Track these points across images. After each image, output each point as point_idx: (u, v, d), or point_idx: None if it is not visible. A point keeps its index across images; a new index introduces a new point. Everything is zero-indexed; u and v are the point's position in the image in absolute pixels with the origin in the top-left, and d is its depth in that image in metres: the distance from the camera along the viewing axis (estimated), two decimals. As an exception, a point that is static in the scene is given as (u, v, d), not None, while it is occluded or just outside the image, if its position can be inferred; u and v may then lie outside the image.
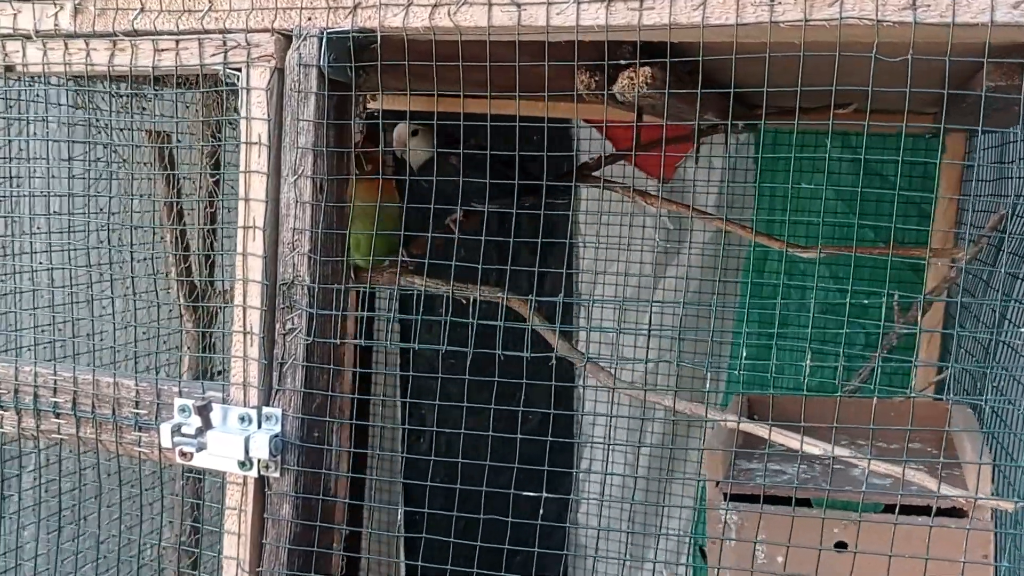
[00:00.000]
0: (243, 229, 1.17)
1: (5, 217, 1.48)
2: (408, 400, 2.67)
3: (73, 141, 1.42)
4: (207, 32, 1.17)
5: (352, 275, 1.65)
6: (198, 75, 1.19)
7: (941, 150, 2.12)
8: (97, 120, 1.51)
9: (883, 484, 1.29)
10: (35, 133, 1.42)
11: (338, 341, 1.21)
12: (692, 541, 2.51)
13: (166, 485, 1.79)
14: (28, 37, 1.25)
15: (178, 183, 1.72)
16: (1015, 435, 1.38)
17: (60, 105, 1.47)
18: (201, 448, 1.18)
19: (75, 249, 1.41)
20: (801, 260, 2.25)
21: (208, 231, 1.80)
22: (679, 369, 2.15)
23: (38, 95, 1.41)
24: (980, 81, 1.09)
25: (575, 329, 2.44)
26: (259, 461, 1.18)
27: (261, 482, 1.21)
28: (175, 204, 1.70)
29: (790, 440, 1.17)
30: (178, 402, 1.20)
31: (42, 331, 1.54)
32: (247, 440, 1.17)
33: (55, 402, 1.31)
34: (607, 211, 2.40)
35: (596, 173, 1.85)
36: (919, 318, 1.66)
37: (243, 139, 1.16)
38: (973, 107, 1.36)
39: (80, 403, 1.29)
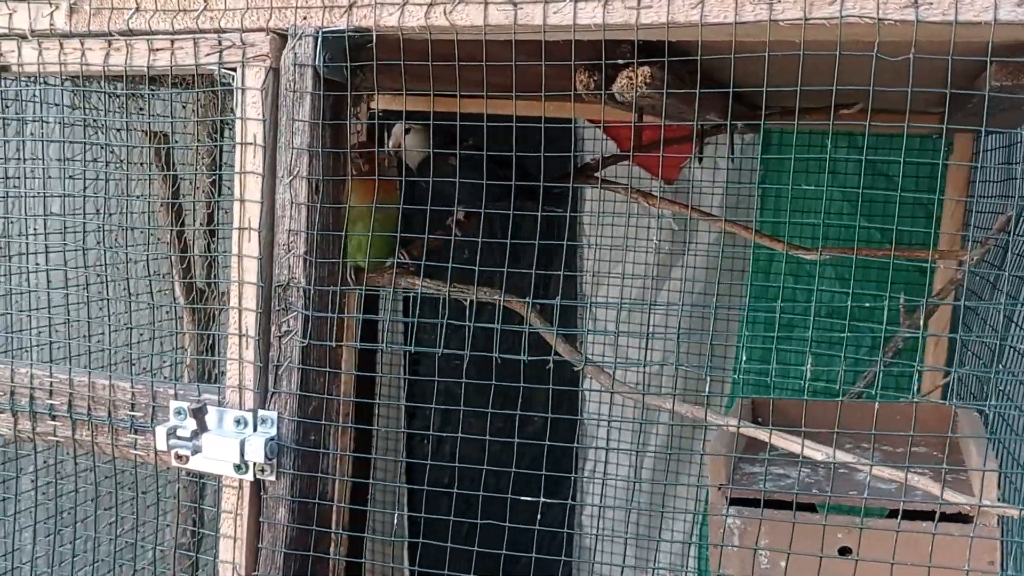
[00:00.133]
0: (238, 230, 1.16)
1: (2, 218, 1.47)
2: (408, 404, 2.70)
3: (70, 141, 1.41)
4: (202, 31, 1.16)
5: (353, 276, 1.64)
6: (194, 75, 1.18)
7: (948, 151, 2.10)
8: (94, 120, 1.50)
9: (887, 489, 1.28)
10: (32, 134, 1.41)
11: (334, 343, 1.19)
12: (697, 546, 2.50)
13: (166, 488, 1.78)
14: (23, 37, 1.24)
15: (175, 184, 1.71)
16: (1022, 440, 1.36)
17: (56, 105, 1.46)
18: (196, 451, 1.17)
19: (72, 250, 1.40)
20: (806, 262, 2.24)
21: (206, 232, 1.79)
22: (683, 372, 2.14)
23: (35, 95, 1.40)
24: (985, 81, 1.07)
25: (580, 331, 2.42)
26: (255, 464, 1.17)
27: (257, 486, 1.20)
28: (172, 205, 1.69)
29: (792, 444, 1.16)
30: (173, 405, 1.19)
31: (38, 333, 1.53)
32: (242, 443, 1.16)
33: (51, 404, 1.30)
34: (611, 212, 2.38)
35: (598, 174, 1.83)
36: (923, 321, 1.64)
37: (238, 139, 1.15)
38: (978, 107, 1.35)
39: (76, 405, 1.29)
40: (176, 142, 1.73)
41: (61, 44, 1.23)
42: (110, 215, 1.37)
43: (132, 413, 1.26)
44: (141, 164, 1.62)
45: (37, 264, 1.49)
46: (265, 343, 1.18)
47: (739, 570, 1.29)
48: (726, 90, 1.32)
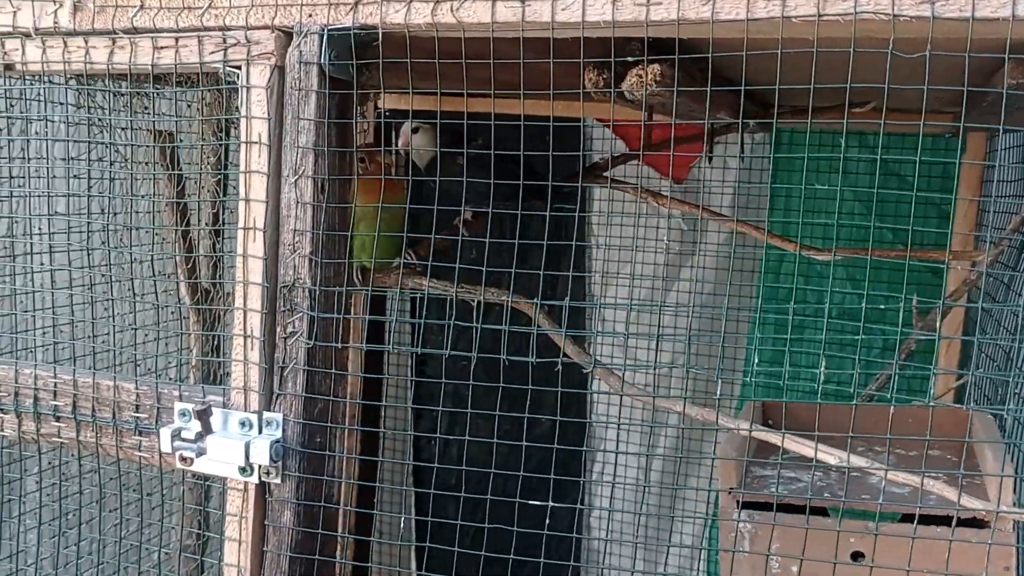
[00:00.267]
0: (243, 230, 1.15)
1: (7, 218, 1.47)
2: (415, 406, 2.69)
3: (75, 141, 1.40)
4: (207, 29, 1.15)
5: (360, 276, 1.63)
6: (198, 73, 1.17)
7: (961, 150, 2.08)
8: (99, 120, 1.49)
9: (901, 493, 1.26)
10: (36, 133, 1.40)
11: (340, 345, 1.18)
12: (707, 550, 2.48)
13: (171, 490, 1.77)
14: (27, 35, 1.23)
15: (180, 183, 1.70)
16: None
17: (61, 104, 1.45)
18: (201, 453, 1.16)
19: (77, 250, 1.39)
20: (817, 262, 2.22)
21: (212, 232, 1.78)
22: (692, 374, 2.12)
23: (39, 94, 1.39)
24: (1001, 78, 1.05)
25: (588, 333, 2.40)
26: (260, 467, 1.16)
27: (262, 488, 1.19)
28: (177, 204, 1.68)
29: (804, 448, 1.14)
30: (178, 406, 1.18)
31: (43, 333, 1.52)
32: (247, 445, 1.14)
33: (55, 405, 1.29)
34: (620, 212, 2.37)
35: (607, 173, 1.82)
36: (939, 322, 1.62)
37: (243, 138, 1.14)
38: (994, 105, 1.33)
39: (80, 406, 1.28)
40: (181, 141, 1.72)
41: (65, 42, 1.21)
42: (115, 215, 1.36)
43: (136, 415, 1.25)
44: (146, 164, 1.61)
45: (42, 264, 1.48)
46: (270, 344, 1.17)
47: (750, 575, 1.27)
48: (737, 88, 1.30)
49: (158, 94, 1.47)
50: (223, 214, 1.78)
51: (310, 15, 1.11)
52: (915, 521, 1.08)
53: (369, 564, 2.27)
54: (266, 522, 1.19)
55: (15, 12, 1.24)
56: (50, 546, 1.56)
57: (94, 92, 1.47)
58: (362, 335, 2.20)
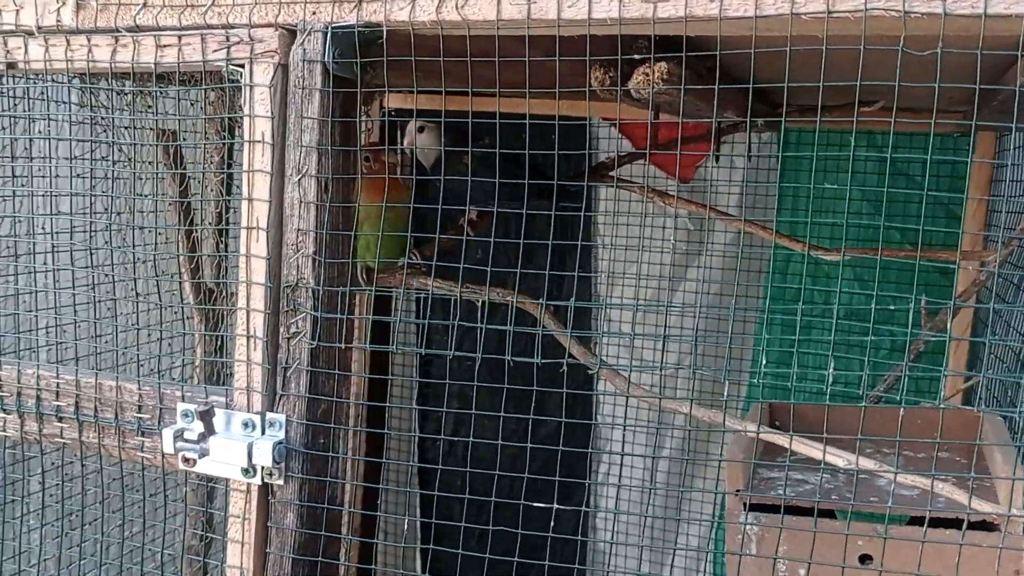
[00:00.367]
0: (246, 230, 1.14)
1: (9, 217, 1.46)
2: (421, 407, 2.68)
3: (79, 140, 1.39)
4: (210, 27, 1.14)
5: (365, 276, 1.62)
6: (202, 72, 1.16)
7: (971, 149, 2.06)
8: (103, 119, 1.49)
9: (910, 495, 1.25)
10: (40, 132, 1.40)
11: (343, 345, 1.17)
12: (713, 553, 2.47)
13: (174, 491, 1.77)
14: (30, 33, 1.23)
15: (183, 183, 1.69)
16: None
17: (64, 103, 1.44)
18: (204, 454, 1.15)
19: (81, 250, 1.38)
20: (824, 262, 2.20)
21: (215, 231, 1.78)
22: (699, 375, 2.11)
23: (42, 93, 1.38)
24: (1014, 76, 1.04)
25: (594, 334, 2.39)
26: (262, 468, 1.15)
27: (265, 489, 1.18)
28: (181, 204, 1.67)
29: (812, 450, 1.13)
30: (181, 407, 1.17)
31: (47, 333, 1.51)
32: (250, 447, 1.14)
33: (58, 405, 1.28)
34: (626, 212, 2.35)
35: (613, 172, 1.81)
36: (949, 323, 1.61)
37: (246, 137, 1.13)
38: (1004, 104, 1.32)
39: (83, 407, 1.27)
40: (184, 140, 1.71)
41: (68, 41, 1.21)
42: (118, 214, 1.35)
43: (139, 415, 1.24)
44: (150, 163, 1.60)
45: (45, 264, 1.48)
46: (273, 344, 1.16)
47: (757, 578, 1.26)
48: (745, 86, 1.29)
49: (162, 93, 1.46)
50: (226, 214, 1.77)
51: (314, 13, 1.10)
52: (924, 524, 1.06)
53: (373, 567, 2.25)
54: (269, 524, 1.18)
55: (18, 10, 1.23)
56: (53, 547, 1.56)
57: (97, 91, 1.46)
58: (366, 335, 2.19)
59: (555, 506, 1.16)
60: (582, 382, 2.34)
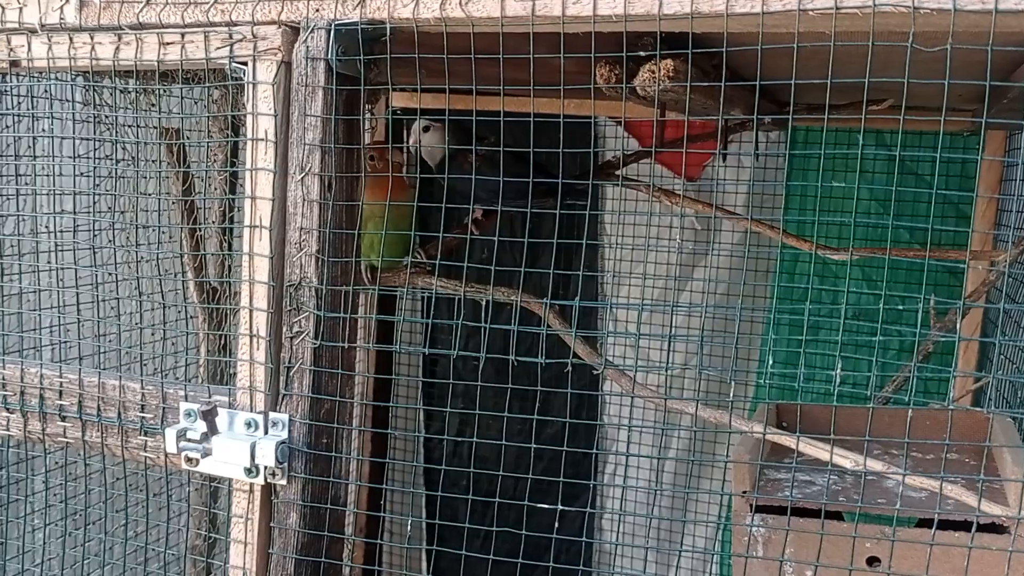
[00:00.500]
0: (249, 228, 1.14)
1: (13, 216, 1.46)
2: (426, 407, 2.67)
3: (82, 138, 1.39)
4: (213, 24, 1.13)
5: (370, 275, 1.62)
6: (205, 69, 1.16)
7: (981, 148, 2.05)
8: (106, 117, 1.48)
9: (918, 497, 1.23)
10: (43, 130, 1.40)
11: (346, 345, 1.16)
12: (719, 554, 2.46)
13: (179, 491, 1.76)
14: (33, 31, 1.22)
15: (187, 181, 1.69)
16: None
17: (67, 101, 1.44)
18: (207, 454, 1.14)
19: (85, 249, 1.38)
20: (832, 262, 2.19)
21: (219, 230, 1.77)
22: (705, 375, 2.09)
23: (46, 91, 1.38)
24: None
25: (599, 333, 2.38)
26: (265, 468, 1.14)
27: (268, 490, 1.18)
28: (184, 203, 1.67)
29: (819, 451, 1.12)
30: (183, 406, 1.17)
31: (51, 332, 1.51)
32: (253, 446, 1.13)
33: (61, 405, 1.28)
34: (633, 211, 2.34)
35: (619, 171, 1.80)
36: (959, 323, 1.60)
37: (249, 135, 1.12)
38: (1015, 102, 1.30)
39: (86, 406, 1.26)
40: (188, 139, 1.71)
41: (71, 38, 1.20)
42: (122, 213, 1.35)
43: (142, 414, 1.23)
44: (153, 161, 1.60)
45: (49, 263, 1.47)
46: (277, 344, 1.15)
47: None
48: (752, 83, 1.28)
49: (165, 91, 1.45)
50: (230, 212, 1.77)
51: (317, 10, 1.09)
52: (933, 526, 1.05)
53: (376, 568, 2.25)
54: (272, 524, 1.18)
55: (21, 8, 1.23)
56: (57, 546, 1.55)
57: (101, 89, 1.46)
58: (372, 335, 2.18)
59: (559, 507, 1.15)
60: (588, 382, 2.33)
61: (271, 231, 1.12)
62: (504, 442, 1.17)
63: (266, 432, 1.15)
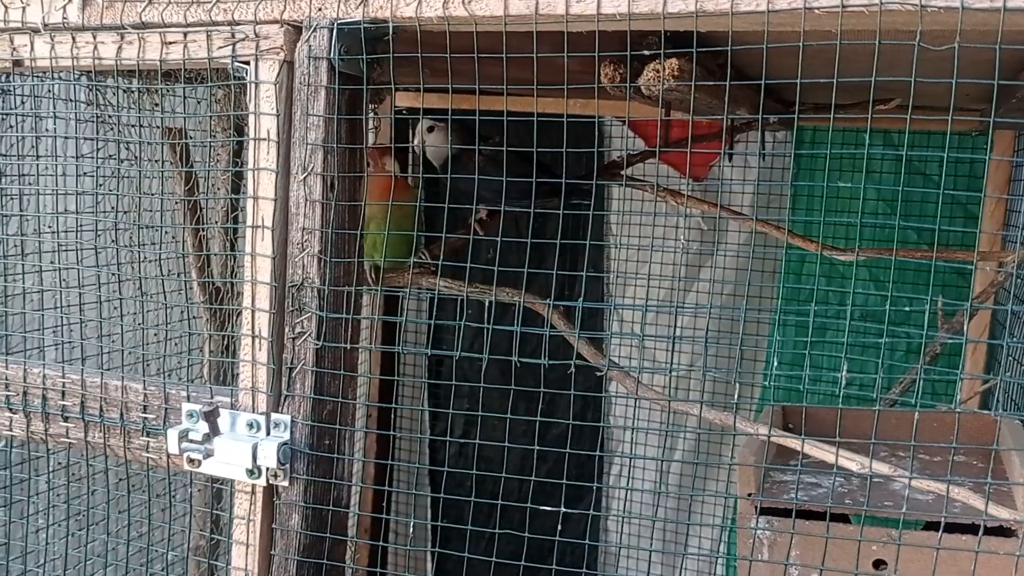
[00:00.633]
0: (252, 228, 1.13)
1: (17, 216, 1.46)
2: (432, 409, 2.66)
3: (85, 138, 1.39)
4: (215, 24, 1.13)
5: (374, 276, 1.61)
6: (207, 69, 1.15)
7: (989, 148, 2.03)
8: (109, 117, 1.48)
9: (925, 500, 1.22)
10: (47, 130, 1.39)
11: (349, 346, 1.16)
12: (725, 557, 2.45)
13: (183, 491, 1.76)
14: (36, 31, 1.22)
15: (190, 181, 1.68)
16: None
17: (70, 100, 1.43)
18: (209, 455, 1.14)
19: (89, 248, 1.38)
20: (839, 263, 2.18)
21: (223, 230, 1.77)
22: (711, 376, 2.08)
23: (49, 91, 1.38)
24: (1032, 73, 1.02)
25: (603, 335, 2.37)
26: (267, 469, 1.14)
27: (270, 491, 1.17)
28: (187, 203, 1.66)
29: (825, 453, 1.11)
30: (186, 407, 1.16)
31: (54, 332, 1.51)
32: (255, 448, 1.12)
33: (63, 405, 1.27)
34: (639, 211, 2.34)
35: (624, 171, 1.79)
36: (966, 325, 1.58)
37: (251, 135, 1.12)
38: (1023, 102, 1.29)
39: (88, 407, 1.26)
40: (191, 139, 1.70)
41: (73, 38, 1.20)
42: (125, 213, 1.34)
43: (144, 415, 1.23)
44: (157, 161, 1.60)
45: (52, 263, 1.47)
46: (279, 345, 1.15)
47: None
48: (757, 83, 1.27)
49: (169, 91, 1.45)
50: (232, 212, 1.76)
51: (320, 9, 1.09)
52: (940, 530, 1.04)
53: (379, 569, 2.24)
54: (274, 525, 1.17)
55: (24, 7, 1.23)
56: (60, 547, 1.55)
57: (104, 89, 1.46)
58: (377, 336, 2.18)
59: (562, 509, 1.15)
60: (594, 384, 2.32)
61: (273, 231, 1.12)
62: (507, 444, 1.16)
63: (268, 433, 1.15)
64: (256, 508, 1.17)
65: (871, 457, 1.07)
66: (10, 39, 1.24)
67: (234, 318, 1.75)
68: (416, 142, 1.72)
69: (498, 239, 1.16)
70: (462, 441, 2.44)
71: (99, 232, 1.41)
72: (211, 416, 1.14)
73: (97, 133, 1.45)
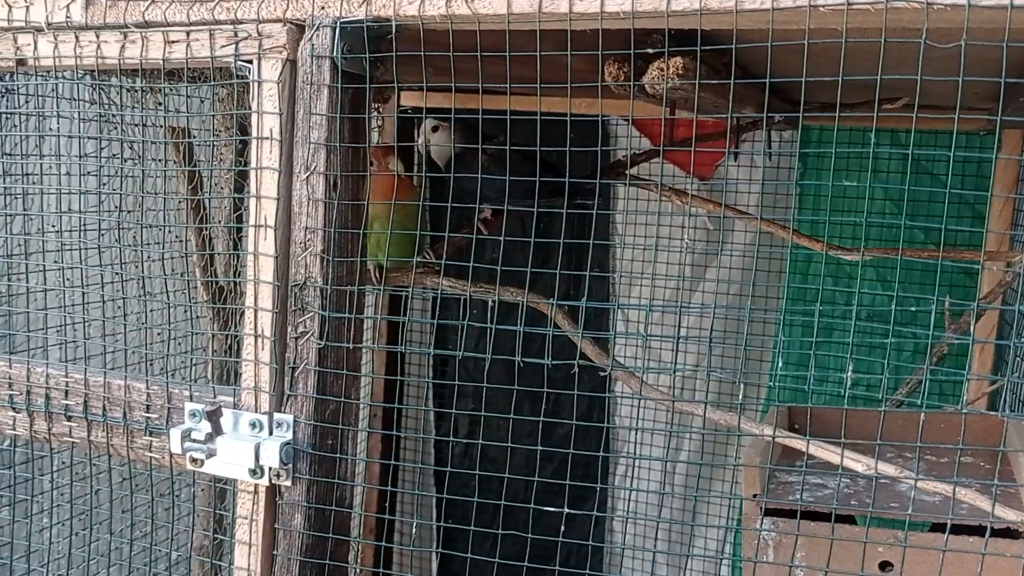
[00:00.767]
0: (254, 228, 1.13)
1: (21, 215, 1.46)
2: (433, 408, 2.66)
3: (89, 137, 1.39)
4: (218, 23, 1.13)
5: (377, 275, 1.61)
6: (210, 68, 1.15)
7: (997, 147, 2.02)
8: (113, 116, 1.48)
9: (932, 501, 1.22)
10: (50, 129, 1.39)
11: (352, 345, 1.15)
12: (730, 558, 2.44)
13: (185, 491, 1.76)
14: (40, 30, 1.22)
15: (193, 180, 1.68)
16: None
17: (73, 99, 1.43)
18: (211, 454, 1.14)
19: (92, 247, 1.38)
20: (846, 263, 2.17)
21: (227, 230, 1.77)
22: (716, 377, 2.08)
23: (52, 90, 1.38)
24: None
25: (607, 334, 2.37)
26: (270, 469, 1.13)
27: (273, 491, 1.17)
28: (191, 202, 1.66)
29: (831, 454, 1.10)
30: (188, 406, 1.16)
31: (57, 331, 1.51)
32: (257, 447, 1.12)
33: (66, 404, 1.27)
34: (644, 211, 2.33)
35: (629, 171, 1.78)
36: (973, 325, 1.57)
37: (254, 134, 1.12)
38: (1032, 100, 1.28)
39: (91, 406, 1.26)
40: (195, 138, 1.70)
41: (77, 37, 1.20)
42: (129, 212, 1.34)
43: (147, 415, 1.23)
44: (160, 160, 1.60)
45: (56, 262, 1.47)
46: (281, 344, 1.15)
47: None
48: (762, 81, 1.26)
49: (172, 90, 1.45)
50: (235, 212, 1.76)
51: (322, 8, 1.08)
52: (946, 531, 1.03)
53: (382, 570, 2.24)
54: (276, 525, 1.17)
55: (28, 7, 1.23)
56: (65, 546, 1.55)
57: (108, 88, 1.46)
58: (381, 335, 2.18)
59: (566, 510, 1.14)
60: (599, 384, 2.32)
61: (276, 230, 1.12)
62: (512, 444, 1.16)
63: (271, 433, 1.15)
64: (259, 508, 1.17)
65: (877, 458, 1.06)
66: (14, 38, 1.24)
67: (238, 317, 1.75)
68: (420, 141, 1.72)
69: (502, 239, 1.15)
70: (467, 441, 2.43)
71: (103, 231, 1.41)
72: (214, 416, 1.14)
73: (101, 132, 1.45)
